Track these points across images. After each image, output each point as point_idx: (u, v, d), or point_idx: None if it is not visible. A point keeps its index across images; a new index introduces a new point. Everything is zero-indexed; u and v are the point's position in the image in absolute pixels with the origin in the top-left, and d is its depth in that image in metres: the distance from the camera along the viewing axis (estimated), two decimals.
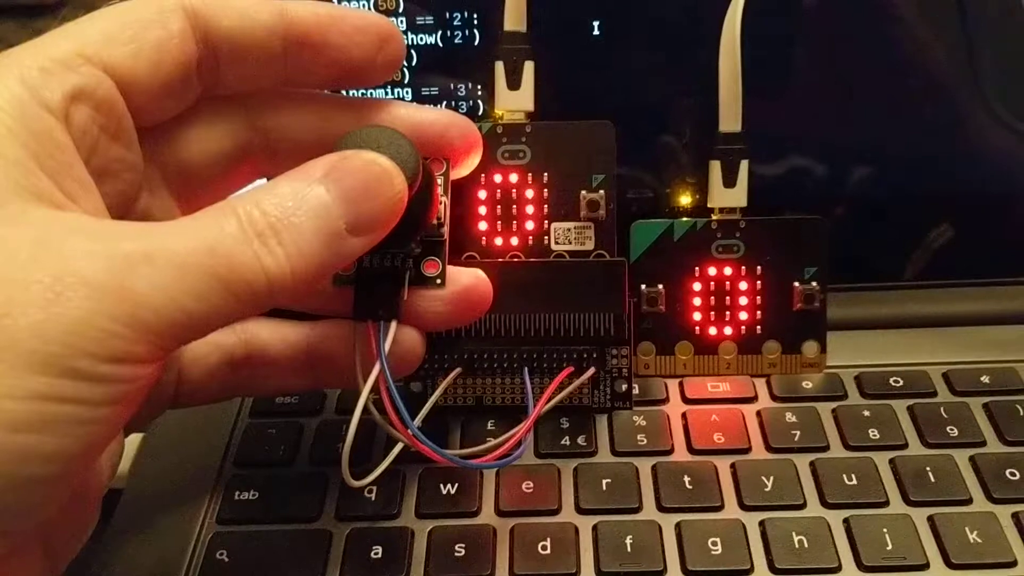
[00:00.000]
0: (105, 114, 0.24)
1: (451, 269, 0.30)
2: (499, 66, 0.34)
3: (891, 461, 0.33)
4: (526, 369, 0.34)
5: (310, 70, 0.27)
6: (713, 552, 0.30)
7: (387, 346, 0.28)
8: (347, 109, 0.29)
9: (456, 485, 0.32)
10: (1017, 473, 0.32)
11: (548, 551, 0.30)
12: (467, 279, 0.30)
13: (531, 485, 0.32)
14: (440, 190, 0.29)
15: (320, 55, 0.27)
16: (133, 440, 0.36)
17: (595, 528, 0.31)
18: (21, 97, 0.22)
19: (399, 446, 0.30)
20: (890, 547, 0.30)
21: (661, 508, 0.31)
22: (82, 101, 0.23)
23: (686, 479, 0.32)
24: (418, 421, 0.31)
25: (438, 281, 0.29)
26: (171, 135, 0.27)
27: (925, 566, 0.29)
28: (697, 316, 0.36)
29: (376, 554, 0.30)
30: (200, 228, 0.22)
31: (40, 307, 0.20)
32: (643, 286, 0.36)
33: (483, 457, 0.31)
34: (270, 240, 0.22)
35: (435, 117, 0.29)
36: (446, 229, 0.30)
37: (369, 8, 0.37)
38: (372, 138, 0.26)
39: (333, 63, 0.27)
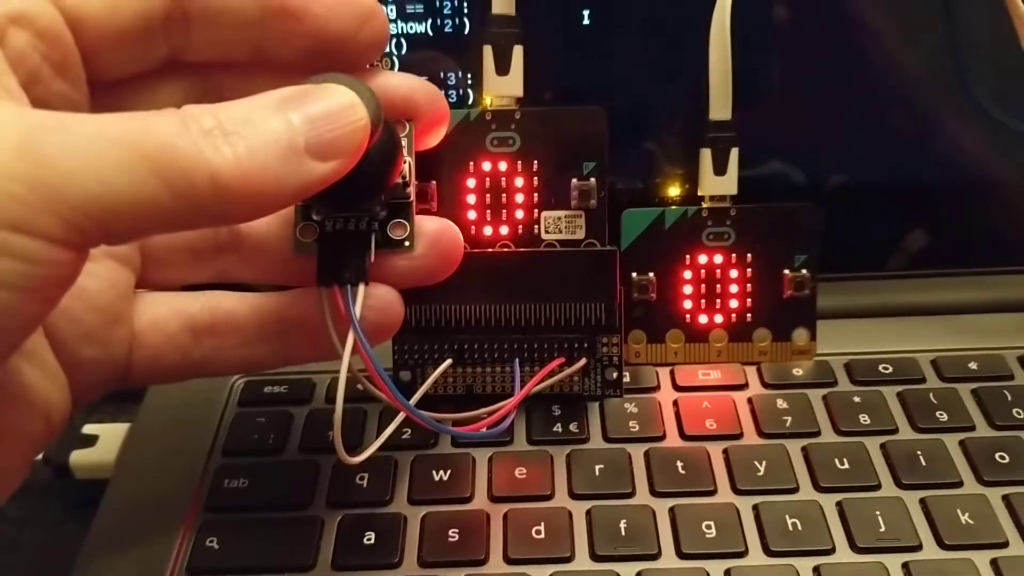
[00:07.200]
0: (48, 44, 0.23)
1: (416, 219, 0.29)
2: (487, 50, 0.33)
3: (882, 446, 0.33)
4: (516, 360, 0.34)
5: (286, 40, 0.26)
6: (707, 535, 0.30)
7: (357, 310, 0.27)
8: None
9: (449, 471, 0.32)
10: (1007, 456, 0.32)
11: (542, 535, 0.30)
12: (433, 226, 0.29)
13: (524, 471, 0.32)
14: (404, 150, 0.29)
15: (298, 24, 0.26)
16: (119, 430, 0.36)
17: (589, 513, 0.30)
18: None
19: (394, 424, 0.30)
20: (883, 529, 0.30)
21: (654, 493, 0.31)
22: (21, 25, 0.23)
23: (679, 464, 0.32)
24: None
25: (406, 244, 0.29)
26: (126, 92, 0.26)
27: (918, 547, 0.29)
28: (688, 304, 0.36)
29: (369, 540, 0.30)
30: (130, 114, 0.21)
31: None
32: (634, 274, 0.36)
33: (467, 426, 0.30)
34: (218, 139, 0.21)
35: (399, 81, 0.29)
36: (412, 190, 0.29)
37: None
38: (334, 79, 0.25)
39: (310, 34, 0.26)
